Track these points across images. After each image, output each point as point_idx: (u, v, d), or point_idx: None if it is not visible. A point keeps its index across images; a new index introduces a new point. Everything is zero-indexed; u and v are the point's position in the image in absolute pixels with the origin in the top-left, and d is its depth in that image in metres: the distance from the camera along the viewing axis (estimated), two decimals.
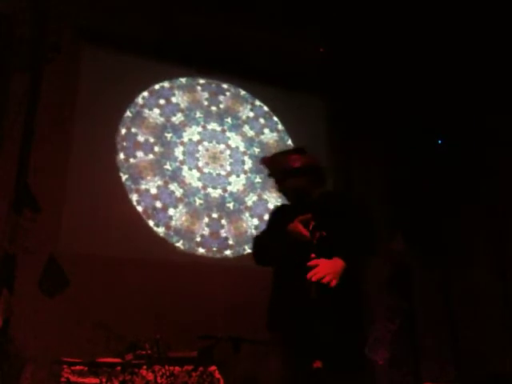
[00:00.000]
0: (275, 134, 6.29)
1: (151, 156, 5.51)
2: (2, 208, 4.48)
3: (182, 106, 5.88)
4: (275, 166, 2.69)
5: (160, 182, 5.45)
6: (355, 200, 2.75)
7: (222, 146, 5.89)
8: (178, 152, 5.65)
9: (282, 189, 2.71)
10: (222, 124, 6.00)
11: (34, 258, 4.47)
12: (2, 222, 4.42)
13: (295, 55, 6.18)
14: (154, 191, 5.39)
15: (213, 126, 5.94)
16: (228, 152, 5.89)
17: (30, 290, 4.40)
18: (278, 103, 6.40)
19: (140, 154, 5.48)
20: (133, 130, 5.53)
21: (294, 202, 2.70)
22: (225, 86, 6.24)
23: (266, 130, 6.24)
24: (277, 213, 2.82)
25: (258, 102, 6.33)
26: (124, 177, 5.33)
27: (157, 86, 5.84)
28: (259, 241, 2.72)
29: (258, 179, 5.94)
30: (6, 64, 4.80)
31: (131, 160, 5.42)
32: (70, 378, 2.02)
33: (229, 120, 6.05)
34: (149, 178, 5.42)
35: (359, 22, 5.87)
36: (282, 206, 2.90)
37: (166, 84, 5.91)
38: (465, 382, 5.48)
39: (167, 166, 5.54)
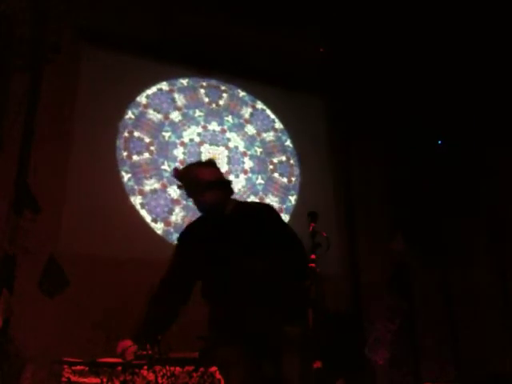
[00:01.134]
0: (275, 134, 6.29)
1: (151, 156, 5.50)
2: (2, 208, 4.48)
3: (182, 106, 5.88)
4: (192, 179, 2.59)
5: (158, 184, 5.44)
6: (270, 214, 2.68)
7: (222, 146, 5.87)
8: (178, 152, 5.63)
9: (198, 202, 2.59)
10: (221, 124, 5.98)
11: (34, 258, 4.46)
12: (2, 222, 4.42)
13: (295, 55, 6.18)
14: (153, 191, 5.39)
15: (213, 125, 5.93)
16: (227, 152, 5.88)
17: (30, 290, 4.39)
18: (278, 103, 6.40)
19: (140, 153, 5.47)
20: (132, 129, 5.53)
21: (211, 216, 2.62)
22: (224, 85, 6.23)
23: (266, 130, 6.24)
24: (190, 237, 2.68)
25: (257, 102, 6.33)
26: (124, 177, 5.32)
27: (156, 87, 5.83)
28: (178, 279, 2.55)
29: (260, 180, 5.91)
30: (6, 64, 4.79)
31: (131, 160, 5.41)
32: (70, 377, 2.02)
33: (229, 120, 6.04)
34: (148, 177, 5.41)
35: (359, 22, 5.87)
36: (191, 226, 2.75)
37: (166, 84, 5.90)
38: (465, 382, 5.48)
39: (165, 167, 5.52)
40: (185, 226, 2.82)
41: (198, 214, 2.70)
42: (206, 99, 6.04)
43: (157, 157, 5.52)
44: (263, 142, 6.14)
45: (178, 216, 5.36)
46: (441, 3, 5.46)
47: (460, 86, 5.97)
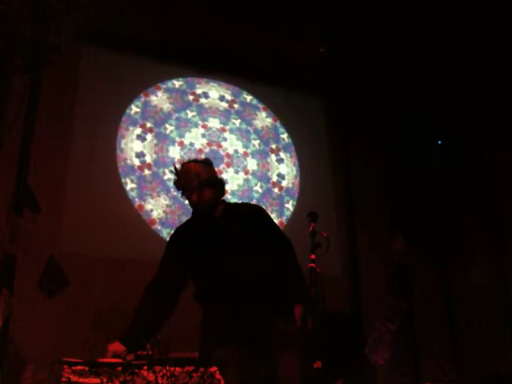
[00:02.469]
0: (274, 132, 6.27)
1: (151, 155, 5.49)
2: (1, 208, 4.47)
3: (182, 105, 5.87)
4: (191, 175, 2.58)
5: (157, 182, 5.44)
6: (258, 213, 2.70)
7: (220, 146, 5.85)
8: (175, 152, 5.60)
9: (193, 200, 2.58)
10: (220, 123, 5.96)
11: (34, 258, 4.46)
12: (2, 222, 4.41)
13: (295, 55, 6.18)
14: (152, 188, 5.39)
15: (211, 125, 5.91)
16: (226, 153, 5.85)
17: (30, 290, 4.39)
18: (278, 103, 6.39)
19: (140, 153, 5.46)
20: (132, 129, 5.52)
21: (201, 216, 2.61)
22: (224, 85, 6.22)
23: (266, 131, 6.22)
24: (180, 239, 2.67)
25: (257, 102, 6.32)
26: (124, 176, 5.31)
27: (156, 87, 5.82)
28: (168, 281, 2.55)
29: (258, 187, 5.87)
30: (5, 64, 4.79)
31: (131, 160, 5.40)
32: (70, 377, 2.02)
33: (227, 120, 6.03)
34: (147, 177, 5.41)
35: (359, 22, 5.87)
36: (181, 228, 2.75)
37: (165, 84, 5.89)
38: (465, 382, 5.48)
39: (162, 158, 5.50)
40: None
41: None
42: (205, 100, 6.02)
43: (156, 156, 5.50)
44: (261, 143, 6.13)
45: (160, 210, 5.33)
46: (441, 3, 5.46)
47: (460, 86, 5.97)
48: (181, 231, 2.74)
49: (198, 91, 6.00)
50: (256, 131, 6.11)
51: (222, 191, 2.66)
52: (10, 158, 4.65)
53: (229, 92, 6.19)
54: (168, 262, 2.62)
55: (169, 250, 2.66)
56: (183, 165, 2.68)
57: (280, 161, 6.12)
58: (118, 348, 2.42)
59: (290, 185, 6.05)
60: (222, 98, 6.11)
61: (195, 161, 2.75)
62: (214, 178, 2.63)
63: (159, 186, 5.39)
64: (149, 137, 5.53)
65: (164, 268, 2.60)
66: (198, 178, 2.55)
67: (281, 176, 6.03)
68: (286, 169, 6.13)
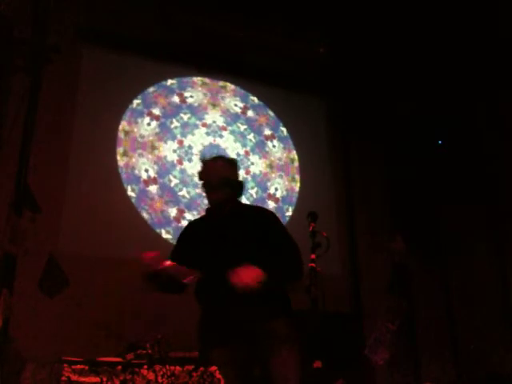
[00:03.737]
0: (275, 135, 6.27)
1: (153, 168, 5.47)
2: (2, 208, 4.48)
3: (181, 106, 5.86)
4: (211, 173, 2.61)
5: (156, 183, 5.44)
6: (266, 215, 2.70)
7: (220, 149, 5.84)
8: (172, 156, 5.60)
9: (215, 198, 2.60)
10: (221, 123, 5.96)
11: (34, 258, 4.47)
12: (2, 222, 4.42)
13: (295, 55, 6.19)
14: (153, 189, 5.39)
15: (211, 124, 5.91)
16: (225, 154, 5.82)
17: (30, 290, 4.40)
18: (278, 103, 6.39)
19: (140, 152, 5.46)
20: (132, 129, 5.52)
21: (216, 213, 2.64)
22: (224, 84, 6.22)
23: (266, 131, 6.22)
24: (186, 232, 2.78)
25: (257, 103, 6.32)
26: (123, 177, 5.31)
27: (155, 87, 5.82)
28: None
29: (253, 191, 5.86)
30: (6, 64, 4.80)
31: (131, 160, 5.40)
32: (70, 376, 2.02)
33: (228, 121, 6.02)
34: (148, 177, 5.42)
35: (359, 22, 5.88)
36: (193, 221, 2.88)
37: (164, 84, 5.89)
38: (465, 382, 5.49)
39: (162, 166, 5.51)
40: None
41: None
42: (204, 100, 6.01)
43: (156, 157, 5.50)
44: (261, 143, 6.13)
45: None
46: (441, 4, 5.47)
47: (460, 86, 5.98)
48: (190, 225, 2.83)
49: (187, 94, 5.97)
50: (251, 128, 6.10)
51: (239, 192, 2.67)
52: (10, 158, 4.66)
53: (238, 99, 6.17)
54: (174, 251, 2.80)
55: (178, 241, 2.81)
56: (209, 160, 2.70)
57: (274, 147, 6.12)
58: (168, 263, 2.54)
59: (285, 192, 6.03)
60: (235, 105, 6.10)
61: (220, 158, 2.75)
62: (229, 179, 2.61)
63: (170, 197, 5.40)
64: (153, 123, 5.54)
65: (172, 255, 2.79)
66: (216, 178, 2.57)
67: (277, 189, 6.01)
68: (280, 154, 6.10)
